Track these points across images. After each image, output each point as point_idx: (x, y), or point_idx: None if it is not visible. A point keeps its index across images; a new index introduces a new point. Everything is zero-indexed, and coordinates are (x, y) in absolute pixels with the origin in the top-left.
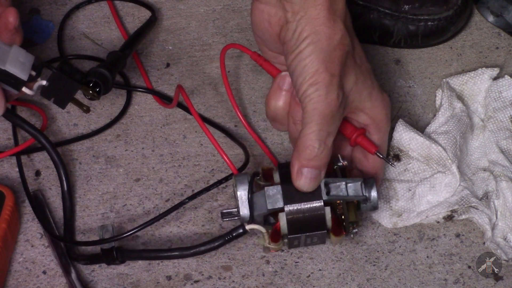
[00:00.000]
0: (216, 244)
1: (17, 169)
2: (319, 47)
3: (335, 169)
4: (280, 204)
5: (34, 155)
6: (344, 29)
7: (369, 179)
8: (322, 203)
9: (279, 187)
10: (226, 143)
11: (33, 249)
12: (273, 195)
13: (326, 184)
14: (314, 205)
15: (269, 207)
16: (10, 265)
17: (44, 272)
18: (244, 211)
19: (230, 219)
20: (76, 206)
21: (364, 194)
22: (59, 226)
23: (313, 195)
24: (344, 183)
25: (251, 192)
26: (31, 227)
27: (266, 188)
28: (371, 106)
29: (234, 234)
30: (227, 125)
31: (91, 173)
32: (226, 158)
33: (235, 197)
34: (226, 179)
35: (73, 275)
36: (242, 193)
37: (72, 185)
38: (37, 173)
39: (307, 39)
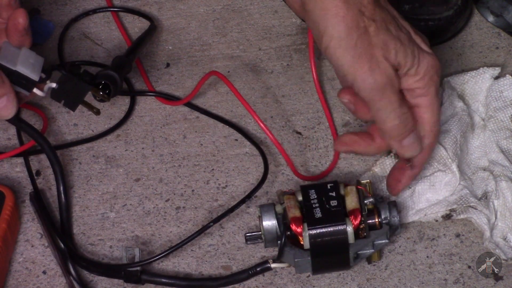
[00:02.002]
0: (242, 276)
1: (17, 169)
2: (345, 39)
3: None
4: (309, 271)
5: (33, 156)
6: (359, 13)
7: (389, 204)
8: (349, 265)
9: (309, 259)
10: (230, 142)
11: (33, 249)
12: (302, 265)
13: (355, 252)
14: (341, 267)
15: (297, 272)
16: (10, 265)
17: (44, 272)
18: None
19: (254, 243)
20: (76, 206)
21: (389, 236)
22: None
23: (341, 264)
24: (371, 242)
25: (284, 237)
26: (31, 227)
27: (296, 260)
28: (414, 72)
29: (258, 269)
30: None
31: (91, 173)
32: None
33: (261, 227)
34: (248, 196)
35: (73, 275)
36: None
37: (71, 185)
38: (37, 173)
39: (328, 31)
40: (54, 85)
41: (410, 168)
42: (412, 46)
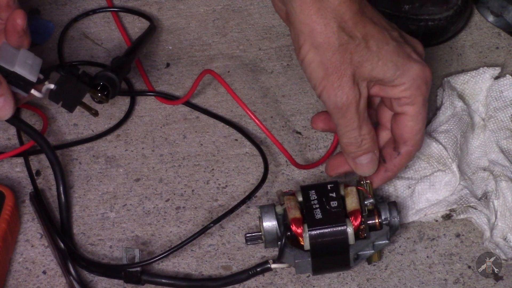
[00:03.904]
0: (242, 277)
1: (17, 169)
2: (320, 54)
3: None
4: (309, 272)
5: (33, 156)
6: (338, 29)
7: (390, 205)
8: (349, 266)
9: (309, 260)
10: (230, 142)
11: (33, 249)
12: (303, 265)
13: (355, 252)
14: (341, 268)
15: (297, 273)
16: (10, 265)
17: (44, 272)
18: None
19: (254, 243)
20: (76, 206)
21: (389, 236)
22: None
23: (341, 265)
24: (371, 243)
25: (283, 238)
26: (31, 227)
27: (296, 261)
28: (399, 82)
29: (258, 269)
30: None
31: (91, 173)
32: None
33: (261, 228)
34: (249, 197)
35: (73, 275)
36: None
37: (71, 185)
38: (37, 173)
39: (306, 45)
40: (52, 86)
41: (384, 170)
42: (396, 58)
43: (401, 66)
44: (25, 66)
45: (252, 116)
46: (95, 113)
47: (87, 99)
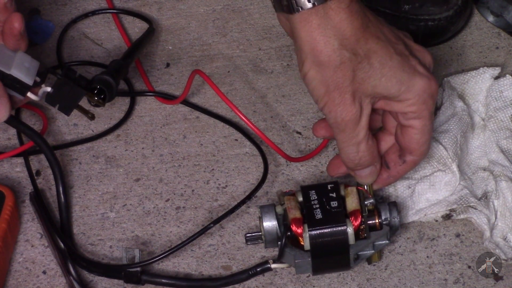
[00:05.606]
0: (243, 277)
1: (17, 169)
2: (321, 72)
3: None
4: (309, 272)
5: (33, 156)
6: (339, 47)
7: (390, 205)
8: (349, 266)
9: (309, 260)
10: (230, 142)
11: (33, 249)
12: (303, 265)
13: (355, 252)
14: (341, 268)
15: (297, 273)
16: (10, 265)
17: (44, 272)
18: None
19: (254, 243)
20: (76, 206)
21: (389, 236)
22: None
23: (341, 265)
24: (371, 243)
25: (283, 238)
26: (31, 227)
27: (297, 261)
28: (404, 98)
29: (258, 269)
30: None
31: (91, 173)
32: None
33: (261, 228)
34: (249, 197)
35: (73, 275)
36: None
37: (71, 185)
38: (37, 173)
39: (307, 62)
40: (49, 89)
41: (387, 176)
42: (400, 74)
43: (405, 82)
44: (21, 69)
45: (231, 105)
46: (92, 117)
47: (83, 102)
